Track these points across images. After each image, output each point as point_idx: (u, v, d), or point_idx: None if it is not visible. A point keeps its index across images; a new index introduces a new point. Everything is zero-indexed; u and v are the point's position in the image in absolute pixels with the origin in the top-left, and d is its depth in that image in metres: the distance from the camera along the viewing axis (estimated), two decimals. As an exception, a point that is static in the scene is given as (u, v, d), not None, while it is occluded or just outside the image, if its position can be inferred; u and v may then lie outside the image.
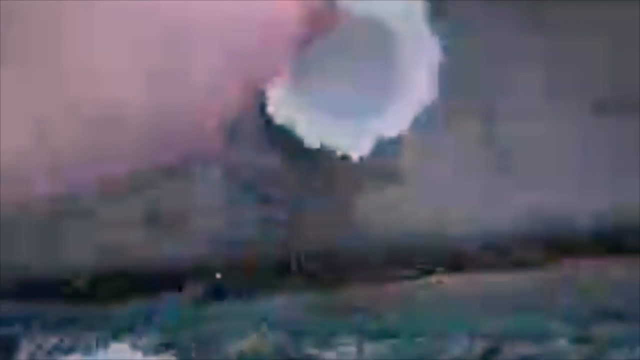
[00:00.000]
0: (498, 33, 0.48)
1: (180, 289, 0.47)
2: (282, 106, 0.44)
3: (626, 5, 0.47)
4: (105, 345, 0.45)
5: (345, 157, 0.44)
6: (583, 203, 0.48)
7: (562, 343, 0.47)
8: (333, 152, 0.44)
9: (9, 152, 0.23)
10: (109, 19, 0.25)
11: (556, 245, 0.48)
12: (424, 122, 0.45)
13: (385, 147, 0.45)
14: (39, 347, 0.45)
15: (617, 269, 0.48)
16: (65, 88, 0.24)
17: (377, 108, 0.44)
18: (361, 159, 0.45)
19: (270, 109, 0.44)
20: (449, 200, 0.48)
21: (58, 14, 0.24)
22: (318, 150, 0.44)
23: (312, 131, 0.44)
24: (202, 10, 0.26)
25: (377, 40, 0.44)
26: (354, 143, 0.44)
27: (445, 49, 0.44)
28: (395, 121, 0.43)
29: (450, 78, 0.46)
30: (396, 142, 0.45)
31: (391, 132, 0.44)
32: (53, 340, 0.46)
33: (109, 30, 0.25)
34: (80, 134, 0.25)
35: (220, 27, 0.26)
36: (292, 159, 0.47)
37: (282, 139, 0.46)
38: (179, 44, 0.26)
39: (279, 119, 0.44)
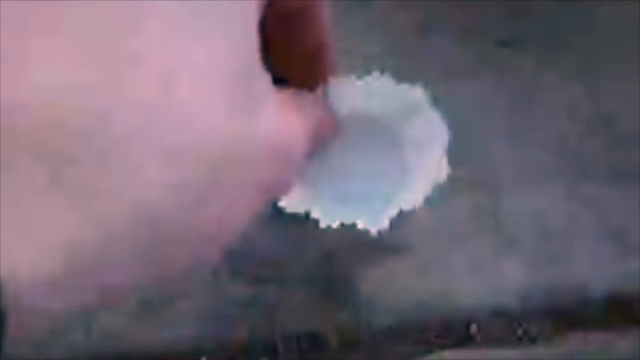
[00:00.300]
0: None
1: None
2: (292, 199, 0.43)
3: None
4: None
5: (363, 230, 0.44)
6: (593, 274, 0.47)
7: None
8: (347, 226, 0.43)
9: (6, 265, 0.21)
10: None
11: (564, 317, 0.47)
12: (434, 196, 0.45)
13: (396, 221, 0.44)
14: None
15: (626, 342, 0.47)
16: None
17: (389, 191, 0.43)
18: (379, 233, 0.44)
19: (280, 204, 0.44)
20: (454, 273, 0.47)
21: None
22: (316, 226, 0.42)
23: (327, 215, 0.43)
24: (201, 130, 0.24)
25: (383, 133, 0.44)
26: (372, 219, 0.43)
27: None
28: (410, 197, 0.43)
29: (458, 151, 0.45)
30: (404, 215, 0.44)
31: (407, 206, 0.43)
32: None
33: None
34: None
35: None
36: (292, 239, 0.46)
37: (291, 226, 0.44)
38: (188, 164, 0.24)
39: (290, 209, 0.43)
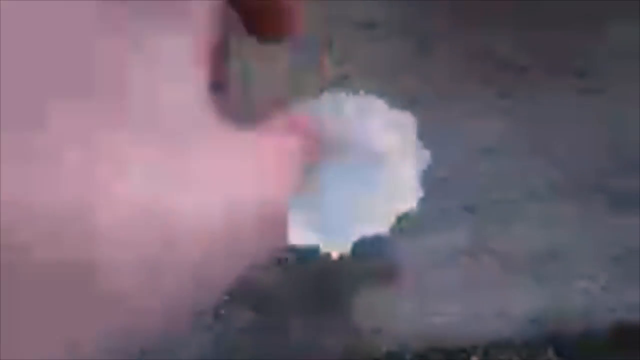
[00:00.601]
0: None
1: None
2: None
3: None
4: None
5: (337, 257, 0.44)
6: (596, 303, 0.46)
7: None
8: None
9: None
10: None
11: (568, 346, 0.46)
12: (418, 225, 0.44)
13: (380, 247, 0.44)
14: None
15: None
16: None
17: (355, 213, 0.43)
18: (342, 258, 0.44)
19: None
20: (453, 300, 0.46)
21: None
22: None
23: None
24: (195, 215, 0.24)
25: (359, 154, 0.44)
26: (334, 243, 0.43)
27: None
28: (379, 220, 0.43)
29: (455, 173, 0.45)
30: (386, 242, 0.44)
31: (375, 229, 0.43)
32: None
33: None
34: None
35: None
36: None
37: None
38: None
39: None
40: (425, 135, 0.45)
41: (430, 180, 0.45)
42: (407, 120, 0.44)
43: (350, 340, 0.45)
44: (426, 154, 0.43)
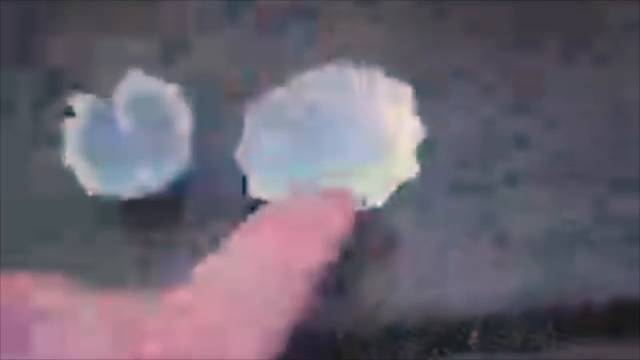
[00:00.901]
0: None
1: None
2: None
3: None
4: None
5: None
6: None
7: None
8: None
9: None
10: None
11: (568, 323, 0.46)
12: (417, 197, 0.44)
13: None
14: None
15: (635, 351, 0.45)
16: None
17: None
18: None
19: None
20: (446, 276, 0.46)
21: None
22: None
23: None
24: None
25: (351, 124, 0.44)
26: None
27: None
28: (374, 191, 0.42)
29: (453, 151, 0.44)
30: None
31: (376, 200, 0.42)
32: None
33: None
34: None
35: None
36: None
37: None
38: None
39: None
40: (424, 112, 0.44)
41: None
42: (405, 92, 0.43)
43: (349, 315, 0.45)
44: (422, 128, 0.43)
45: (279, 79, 0.46)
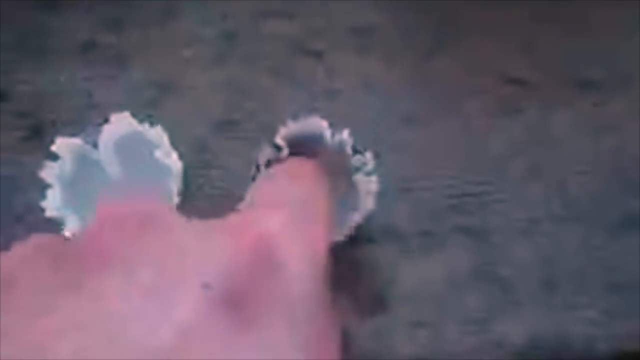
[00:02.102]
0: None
1: None
2: None
3: None
4: None
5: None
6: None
7: None
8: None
9: None
10: None
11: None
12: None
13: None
14: None
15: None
16: None
17: None
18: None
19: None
20: (452, 326, 0.45)
21: None
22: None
23: None
24: None
25: None
26: None
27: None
28: None
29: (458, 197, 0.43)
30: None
31: None
32: None
33: None
34: None
35: None
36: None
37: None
38: None
39: None
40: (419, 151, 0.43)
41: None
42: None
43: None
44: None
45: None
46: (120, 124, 0.46)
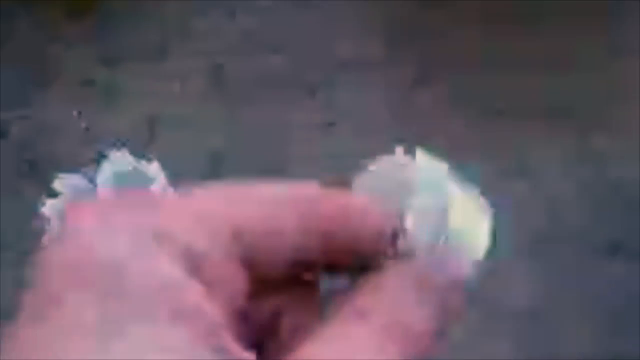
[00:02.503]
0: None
1: None
2: None
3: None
4: None
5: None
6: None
7: None
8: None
9: None
10: None
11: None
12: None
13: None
14: None
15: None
16: None
17: None
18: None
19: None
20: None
21: None
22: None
23: None
24: None
25: None
26: None
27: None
28: None
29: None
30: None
31: None
32: None
33: None
34: None
35: None
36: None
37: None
38: None
39: None
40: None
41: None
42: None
43: None
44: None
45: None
46: (118, 160, 0.46)
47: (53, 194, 0.46)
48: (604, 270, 0.43)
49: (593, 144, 0.46)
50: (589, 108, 0.47)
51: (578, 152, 0.46)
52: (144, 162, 0.47)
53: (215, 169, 0.44)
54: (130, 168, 0.47)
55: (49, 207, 0.46)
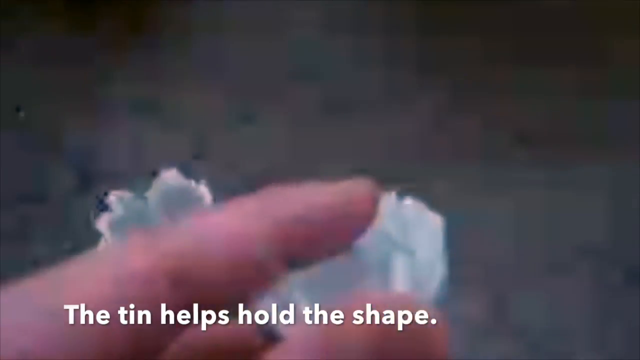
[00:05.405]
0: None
1: None
2: None
3: None
4: None
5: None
6: None
7: None
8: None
9: None
10: None
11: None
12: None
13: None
14: None
15: None
16: None
17: None
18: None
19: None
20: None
21: None
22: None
23: None
24: None
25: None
26: None
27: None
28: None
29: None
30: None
31: None
32: None
33: None
34: None
35: None
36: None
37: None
38: None
39: None
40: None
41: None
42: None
43: None
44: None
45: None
46: (169, 178, 0.48)
47: (104, 207, 0.48)
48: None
49: (625, 170, 0.47)
50: (622, 135, 0.48)
51: (610, 178, 0.48)
52: (192, 182, 0.49)
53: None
54: (179, 187, 0.48)
55: (102, 221, 0.48)
